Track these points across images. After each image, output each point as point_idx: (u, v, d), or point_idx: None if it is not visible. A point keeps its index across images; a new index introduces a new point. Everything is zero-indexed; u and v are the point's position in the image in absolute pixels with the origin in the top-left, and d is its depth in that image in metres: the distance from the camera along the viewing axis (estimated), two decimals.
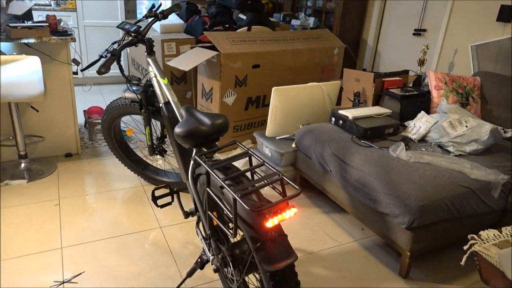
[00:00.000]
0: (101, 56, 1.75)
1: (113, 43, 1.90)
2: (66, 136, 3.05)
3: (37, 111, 2.83)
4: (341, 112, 2.64)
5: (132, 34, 1.91)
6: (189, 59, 3.06)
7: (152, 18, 2.04)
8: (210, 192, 1.34)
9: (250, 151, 1.40)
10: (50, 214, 2.36)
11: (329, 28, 4.41)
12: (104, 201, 2.53)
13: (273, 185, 1.32)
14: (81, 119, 3.66)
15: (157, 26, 3.80)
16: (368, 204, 2.14)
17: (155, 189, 1.78)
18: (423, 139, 2.52)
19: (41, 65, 2.54)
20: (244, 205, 1.11)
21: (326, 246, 2.28)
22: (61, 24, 2.91)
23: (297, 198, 2.68)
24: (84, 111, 3.52)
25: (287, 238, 1.26)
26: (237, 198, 1.14)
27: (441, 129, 2.44)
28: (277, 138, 2.97)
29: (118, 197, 2.59)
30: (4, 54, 2.65)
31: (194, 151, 1.57)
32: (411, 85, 3.17)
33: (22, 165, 2.79)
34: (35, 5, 4.44)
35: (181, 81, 3.71)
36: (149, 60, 1.99)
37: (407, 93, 2.84)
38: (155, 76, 1.96)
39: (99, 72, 1.67)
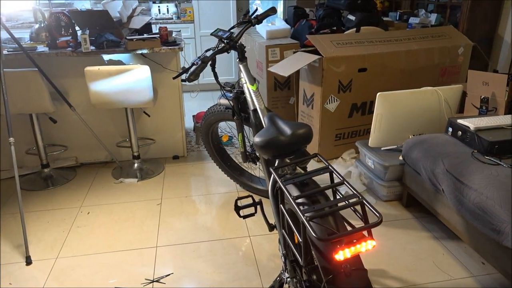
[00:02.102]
0: (193, 64, 1.78)
1: (207, 50, 1.91)
2: (174, 139, 3.25)
3: (149, 116, 3.07)
4: (460, 121, 2.24)
5: (225, 41, 1.90)
6: (289, 64, 2.97)
7: (246, 24, 2.00)
8: (283, 209, 1.21)
9: (331, 166, 1.23)
10: (151, 213, 2.51)
11: (455, 24, 3.86)
12: (200, 204, 2.60)
13: (355, 207, 1.13)
14: (190, 124, 3.89)
15: (263, 31, 3.81)
16: (490, 235, 1.75)
17: (238, 198, 1.73)
18: None
19: (154, 73, 2.74)
20: (311, 231, 0.96)
21: (433, 279, 1.94)
22: (173, 34, 3.11)
23: (402, 218, 2.38)
24: (193, 116, 3.72)
25: (367, 273, 1.06)
26: (305, 221, 0.99)
27: None
28: (382, 149, 2.68)
29: (213, 202, 2.63)
30: (124, 63, 2.94)
31: (277, 162, 1.46)
32: None
33: (135, 165, 3.06)
34: (160, 19, 4.91)
35: (284, 86, 3.65)
36: (241, 66, 1.96)
37: None
38: (246, 83, 1.92)
39: (188, 79, 1.69)
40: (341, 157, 3.21)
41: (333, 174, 1.21)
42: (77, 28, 3.00)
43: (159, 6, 4.98)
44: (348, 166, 3.01)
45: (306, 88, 3.15)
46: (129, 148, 3.02)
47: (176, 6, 5.06)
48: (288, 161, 1.54)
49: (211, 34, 1.97)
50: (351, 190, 1.09)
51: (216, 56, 1.88)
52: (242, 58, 1.96)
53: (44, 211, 2.55)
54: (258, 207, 1.74)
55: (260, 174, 2.79)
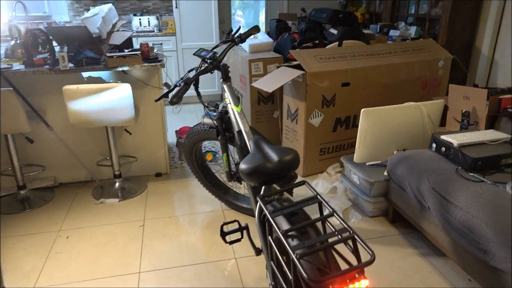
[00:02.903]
0: (175, 85, 1.73)
1: (189, 71, 1.87)
2: (157, 156, 3.18)
3: (130, 134, 3.00)
4: (444, 137, 2.26)
5: (208, 61, 1.87)
6: (273, 80, 2.96)
7: (229, 43, 1.97)
8: (271, 242, 1.18)
9: (320, 196, 1.20)
10: (133, 235, 2.43)
11: (434, 37, 3.93)
12: (184, 225, 2.54)
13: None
14: (173, 139, 3.82)
15: (246, 45, 3.79)
16: (477, 254, 1.75)
17: (224, 224, 1.68)
18: None
19: (136, 90, 2.68)
20: (302, 270, 0.92)
21: None
22: (155, 50, 3.06)
23: (388, 235, 2.37)
24: (176, 131, 3.65)
25: None
26: (295, 259, 0.95)
27: None
28: (367, 164, 2.67)
29: (198, 222, 2.57)
30: (105, 81, 2.87)
31: (263, 189, 1.43)
32: None
33: (117, 184, 2.97)
34: (141, 31, 4.84)
35: (268, 100, 3.63)
36: (225, 86, 1.92)
37: None
38: (230, 103, 1.88)
39: (171, 102, 1.65)
40: (326, 172, 3.20)
41: (322, 204, 1.18)
42: (55, 44, 2.91)
43: (140, 19, 4.91)
44: (333, 181, 3.00)
45: (290, 103, 3.13)
46: (110, 166, 2.94)
47: (157, 18, 5.00)
48: (276, 187, 1.51)
49: (194, 54, 1.93)
50: (342, 223, 1.06)
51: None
52: (226, 78, 1.93)
53: (21, 236, 2.44)
54: (245, 231, 1.70)
55: (245, 192, 2.74)
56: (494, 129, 2.50)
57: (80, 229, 2.51)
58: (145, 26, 4.92)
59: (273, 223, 1.10)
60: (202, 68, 1.86)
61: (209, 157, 2.41)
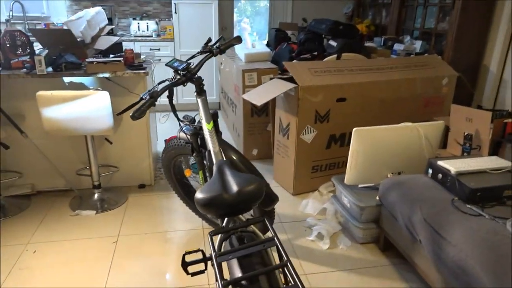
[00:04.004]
0: (141, 98, 1.58)
1: (160, 83, 1.72)
2: (141, 167, 3.03)
3: (111, 143, 2.86)
4: (441, 163, 2.07)
5: (181, 73, 1.71)
6: (264, 92, 2.80)
7: (207, 54, 1.82)
8: None
9: (277, 238, 1.03)
10: (105, 252, 2.28)
11: (440, 52, 3.75)
12: (160, 243, 2.38)
13: None
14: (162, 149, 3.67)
15: (242, 54, 3.66)
16: None
17: (186, 253, 1.52)
18: None
19: (119, 97, 2.55)
20: None
21: None
22: (142, 57, 2.93)
23: (378, 265, 2.18)
24: (165, 140, 3.51)
25: None
26: None
27: None
28: (359, 186, 2.49)
29: (175, 240, 2.41)
30: (87, 87, 2.74)
31: (225, 221, 1.26)
32: None
33: (96, 195, 2.83)
34: (139, 36, 4.74)
35: (262, 113, 3.48)
36: (198, 100, 1.77)
37: None
38: (202, 119, 1.73)
39: (132, 117, 1.49)
40: (318, 190, 3.02)
41: (280, 248, 1.01)
42: (39, 46, 2.80)
43: (138, 23, 4.81)
44: (324, 201, 2.82)
45: (282, 117, 2.97)
46: (90, 176, 2.80)
47: (156, 23, 4.90)
48: (241, 218, 1.35)
49: (166, 65, 1.78)
50: (294, 277, 0.88)
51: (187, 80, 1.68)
52: (200, 92, 1.77)
53: None
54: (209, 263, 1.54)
55: None
56: (498, 155, 2.31)
57: (49, 242, 2.36)
58: (144, 31, 4.82)
59: (216, 270, 0.94)
60: (174, 80, 1.71)
61: (188, 173, 2.26)
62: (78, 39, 2.73)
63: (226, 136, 4.20)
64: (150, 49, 4.69)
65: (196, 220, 2.63)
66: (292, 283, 0.93)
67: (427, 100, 3.14)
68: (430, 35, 4.05)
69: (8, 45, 2.49)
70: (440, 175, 2.06)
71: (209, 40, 1.88)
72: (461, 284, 1.61)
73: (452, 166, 2.01)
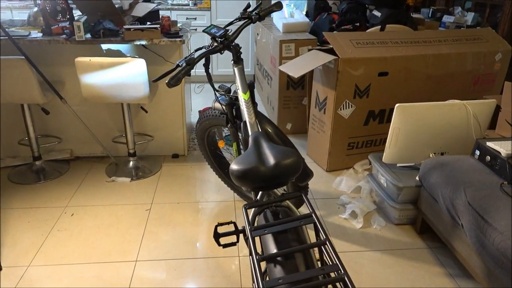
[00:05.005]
0: (177, 65, 1.54)
1: (196, 50, 1.67)
2: (175, 137, 3.04)
3: (146, 112, 2.87)
4: (490, 144, 1.93)
5: (218, 40, 1.65)
6: (302, 64, 2.69)
7: (245, 21, 1.75)
8: (255, 265, 0.97)
9: (315, 215, 0.98)
10: (138, 220, 2.33)
11: (494, 26, 3.46)
12: (191, 213, 2.40)
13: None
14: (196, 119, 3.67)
15: (279, 24, 3.53)
16: None
17: (218, 224, 1.50)
18: None
19: (155, 66, 2.52)
20: None
21: None
22: (178, 25, 2.88)
23: (413, 247, 2.10)
24: (199, 111, 3.50)
25: None
26: None
27: None
28: (398, 165, 2.39)
29: (206, 211, 2.42)
30: (124, 55, 2.74)
31: (259, 194, 1.22)
32: None
33: (131, 162, 2.88)
34: (175, 5, 4.68)
35: (298, 86, 3.38)
36: (235, 69, 1.70)
37: None
38: (239, 89, 1.67)
39: (168, 84, 1.46)
40: (353, 168, 2.93)
41: (318, 226, 0.96)
42: (79, 13, 2.81)
43: None
44: (359, 179, 2.73)
45: (319, 91, 2.86)
46: (125, 144, 2.84)
47: None
48: (276, 192, 1.30)
49: (203, 31, 1.72)
50: (333, 258, 0.83)
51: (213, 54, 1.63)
52: (238, 61, 1.71)
53: (28, 208, 2.40)
54: (242, 235, 1.52)
55: None
56: None
57: (86, 207, 2.44)
58: (180, 0, 4.74)
59: (251, 244, 0.90)
60: (211, 47, 1.65)
61: (221, 144, 2.23)
62: (116, 6, 2.71)
63: (261, 109, 4.13)
64: (187, 18, 4.63)
65: (227, 192, 2.62)
66: (330, 262, 0.88)
67: (478, 76, 2.93)
68: (484, 7, 3.74)
69: (48, 11, 2.50)
70: (488, 157, 1.92)
71: (248, 5, 1.79)
72: (505, 273, 1.51)
73: (502, 148, 1.87)
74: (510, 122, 2.40)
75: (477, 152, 2.00)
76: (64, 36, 2.49)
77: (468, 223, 1.73)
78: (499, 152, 1.86)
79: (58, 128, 2.92)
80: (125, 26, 2.49)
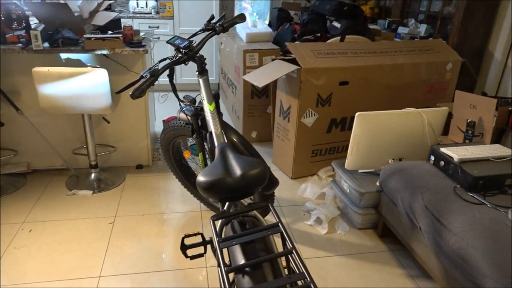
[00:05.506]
0: (141, 76, 1.53)
1: (160, 61, 1.67)
2: (138, 147, 2.99)
3: (108, 122, 2.81)
4: (443, 150, 2.05)
5: (182, 51, 1.66)
6: (266, 73, 2.74)
7: (210, 32, 1.76)
8: (222, 276, 0.98)
9: (281, 224, 1.00)
10: (101, 233, 2.26)
11: (445, 37, 3.68)
12: (157, 225, 2.36)
13: None
14: (161, 129, 3.63)
15: (243, 34, 3.57)
16: (469, 287, 1.56)
17: (185, 236, 1.49)
18: None
19: (117, 76, 2.48)
20: None
21: None
22: (141, 34, 2.85)
23: (376, 251, 2.18)
24: (163, 121, 3.46)
25: None
26: None
27: None
28: (359, 171, 2.47)
29: (173, 222, 2.40)
30: (84, 64, 2.67)
31: (226, 205, 1.24)
32: None
33: (93, 175, 2.80)
34: (137, 13, 4.62)
35: (262, 94, 3.42)
36: (200, 80, 1.71)
37: None
38: (204, 100, 1.68)
39: (132, 96, 1.45)
40: (317, 175, 3.00)
41: (285, 235, 0.98)
42: (35, 21, 2.71)
43: (137, 0, 4.68)
44: (323, 186, 2.80)
45: (283, 99, 2.92)
46: (87, 155, 2.76)
47: (155, 0, 4.76)
48: (243, 202, 1.32)
49: (167, 42, 1.72)
50: (299, 265, 0.86)
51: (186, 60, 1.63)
52: (202, 72, 1.72)
53: None
54: (209, 246, 1.52)
55: None
56: (500, 144, 2.29)
57: (45, 222, 2.34)
58: (142, 8, 4.69)
59: (219, 255, 0.91)
60: (175, 58, 1.65)
61: (187, 154, 2.22)
62: (76, 14, 2.64)
63: (226, 118, 4.15)
64: (149, 27, 4.58)
65: (193, 202, 2.61)
66: (297, 270, 0.90)
67: (431, 85, 3.10)
68: (436, 19, 3.97)
69: (2, 18, 2.40)
70: (442, 162, 2.04)
71: (212, 17, 1.81)
72: (460, 273, 1.60)
73: (455, 153, 1.99)
74: (461, 128, 2.55)
75: (432, 158, 2.11)
76: (20, 45, 2.40)
77: (425, 226, 1.82)
78: (452, 158, 1.97)
79: (14, 140, 2.79)
80: (85, 35, 2.43)
